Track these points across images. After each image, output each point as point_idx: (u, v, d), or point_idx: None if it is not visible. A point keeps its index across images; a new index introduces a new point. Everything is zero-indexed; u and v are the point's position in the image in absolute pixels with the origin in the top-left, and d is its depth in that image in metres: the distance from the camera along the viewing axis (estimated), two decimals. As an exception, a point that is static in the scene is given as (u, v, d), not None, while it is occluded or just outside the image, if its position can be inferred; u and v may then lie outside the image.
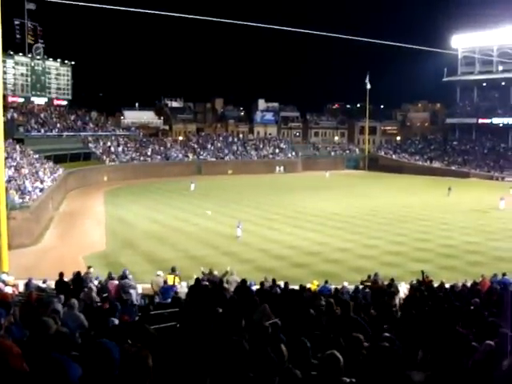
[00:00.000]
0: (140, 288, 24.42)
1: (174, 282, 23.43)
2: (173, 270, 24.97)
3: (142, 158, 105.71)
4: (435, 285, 23.59)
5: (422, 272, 25.41)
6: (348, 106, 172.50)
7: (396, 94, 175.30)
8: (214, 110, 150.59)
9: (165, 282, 23.30)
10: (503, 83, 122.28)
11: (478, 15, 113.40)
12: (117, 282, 21.15)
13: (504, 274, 28.35)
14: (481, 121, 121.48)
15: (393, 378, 6.00)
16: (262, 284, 21.47)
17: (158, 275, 24.67)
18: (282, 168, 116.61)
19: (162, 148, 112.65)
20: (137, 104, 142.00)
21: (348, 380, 5.80)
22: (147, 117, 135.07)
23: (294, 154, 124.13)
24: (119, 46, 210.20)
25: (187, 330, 9.56)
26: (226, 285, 22.31)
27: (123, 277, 22.16)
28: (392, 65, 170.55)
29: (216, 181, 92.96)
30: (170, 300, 19.13)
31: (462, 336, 9.73)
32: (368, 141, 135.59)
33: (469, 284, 25.25)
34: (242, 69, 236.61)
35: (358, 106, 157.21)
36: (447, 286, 23.87)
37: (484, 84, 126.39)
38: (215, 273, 26.74)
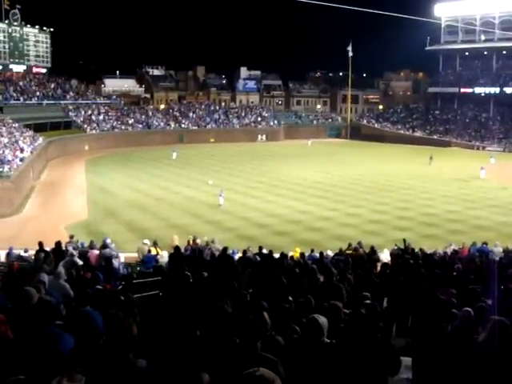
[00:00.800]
0: (122, 257, 24.41)
1: (156, 252, 23.43)
2: (155, 244, 24.92)
3: (123, 127, 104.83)
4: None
5: (404, 240, 25.60)
6: (330, 74, 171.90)
7: (378, 63, 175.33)
8: (196, 78, 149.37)
9: (149, 251, 23.31)
10: (485, 52, 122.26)
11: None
12: (97, 252, 21.07)
13: (484, 243, 28.68)
14: (463, 90, 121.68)
15: (373, 343, 6.08)
16: (244, 252, 21.53)
17: (144, 243, 24.70)
18: (264, 136, 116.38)
19: (143, 116, 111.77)
20: (117, 72, 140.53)
21: (328, 341, 5.93)
22: (128, 85, 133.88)
23: (276, 122, 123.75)
24: (99, 13, 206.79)
25: (169, 297, 9.59)
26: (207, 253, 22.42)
27: (104, 246, 22.07)
28: (375, 33, 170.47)
29: (198, 149, 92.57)
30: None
31: (443, 302, 9.86)
32: (350, 109, 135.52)
33: (449, 252, 25.59)
34: (223, 36, 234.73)
35: (341, 74, 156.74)
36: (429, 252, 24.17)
37: (466, 53, 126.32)
38: (198, 241, 26.81)
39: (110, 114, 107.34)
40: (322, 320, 5.89)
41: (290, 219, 41.12)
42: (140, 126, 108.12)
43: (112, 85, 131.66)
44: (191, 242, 26.91)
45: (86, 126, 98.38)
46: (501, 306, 8.07)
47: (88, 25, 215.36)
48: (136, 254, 24.73)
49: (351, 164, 75.56)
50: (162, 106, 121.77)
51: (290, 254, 23.38)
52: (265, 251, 23.11)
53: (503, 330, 5.79)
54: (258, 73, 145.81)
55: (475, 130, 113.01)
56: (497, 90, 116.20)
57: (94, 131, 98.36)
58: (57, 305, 7.18)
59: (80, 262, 17.02)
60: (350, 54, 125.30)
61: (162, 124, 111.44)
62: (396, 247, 25.14)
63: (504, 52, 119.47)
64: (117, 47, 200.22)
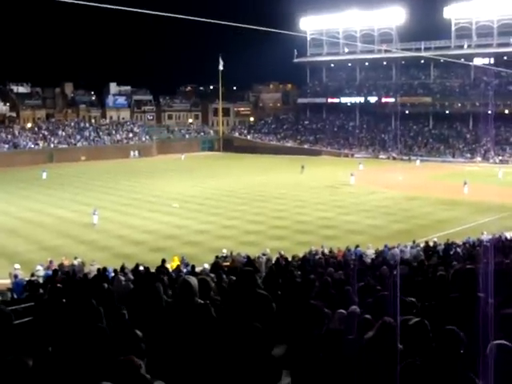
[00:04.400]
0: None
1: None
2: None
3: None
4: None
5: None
6: (201, 88, 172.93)
7: (248, 76, 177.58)
8: (64, 94, 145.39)
9: (15, 276, 22.49)
10: (349, 64, 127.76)
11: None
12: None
13: (357, 246, 29.99)
14: (330, 100, 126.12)
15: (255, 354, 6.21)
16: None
17: (15, 268, 23.90)
18: (136, 152, 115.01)
19: (9, 136, 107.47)
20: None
21: (202, 301, 6.23)
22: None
23: (148, 137, 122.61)
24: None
25: (43, 323, 9.34)
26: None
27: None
28: (243, 47, 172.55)
29: (69, 168, 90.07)
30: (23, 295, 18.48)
31: (315, 308, 10.16)
32: (222, 122, 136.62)
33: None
34: (91, 52, 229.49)
35: (211, 87, 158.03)
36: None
37: (332, 65, 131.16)
38: (75, 262, 26.25)
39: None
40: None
41: (167, 234, 40.96)
42: (6, 146, 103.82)
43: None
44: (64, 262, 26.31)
45: None
46: (365, 306, 8.45)
47: None
48: (7, 281, 23.83)
49: (225, 176, 76.17)
50: (30, 125, 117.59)
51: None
52: (141, 268, 22.92)
53: (388, 330, 6.07)
54: (128, 88, 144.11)
55: (343, 138, 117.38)
56: (361, 99, 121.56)
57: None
58: None
59: None
60: (221, 67, 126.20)
61: (29, 143, 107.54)
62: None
63: (366, 63, 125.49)
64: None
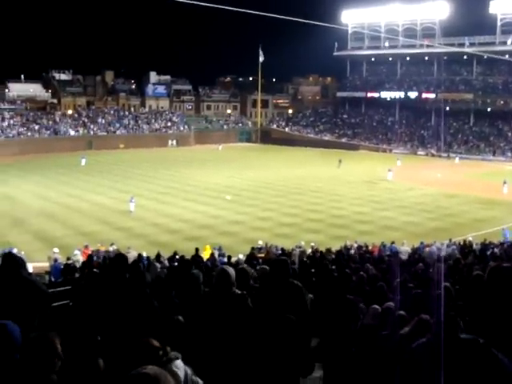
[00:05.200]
0: (31, 267, 23.78)
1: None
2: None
3: (29, 133, 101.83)
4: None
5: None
6: (240, 79, 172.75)
7: (288, 68, 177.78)
8: (105, 82, 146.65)
9: (55, 260, 22.86)
10: (390, 58, 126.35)
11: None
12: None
13: (392, 243, 29.78)
14: (370, 94, 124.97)
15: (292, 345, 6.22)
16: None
17: (54, 252, 24.25)
18: (174, 142, 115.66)
19: (50, 122, 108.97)
20: (22, 76, 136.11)
21: (239, 292, 6.24)
22: (34, 90, 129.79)
23: (186, 127, 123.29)
24: (3, 13, 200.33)
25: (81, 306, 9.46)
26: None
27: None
28: (284, 39, 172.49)
29: (107, 155, 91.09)
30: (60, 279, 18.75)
31: (351, 303, 10.14)
32: (260, 114, 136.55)
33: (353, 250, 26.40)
34: (132, 40, 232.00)
35: (251, 79, 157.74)
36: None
37: (372, 59, 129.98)
38: (111, 248, 26.53)
39: (14, 119, 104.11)
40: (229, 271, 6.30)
41: (202, 224, 41.15)
42: (47, 132, 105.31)
43: (17, 89, 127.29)
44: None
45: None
46: (401, 303, 8.41)
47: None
48: (46, 264, 24.23)
49: (262, 168, 76.19)
50: (70, 112, 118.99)
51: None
52: (177, 257, 23.09)
53: (424, 327, 6.02)
54: (167, 78, 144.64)
55: (382, 133, 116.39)
56: (401, 94, 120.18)
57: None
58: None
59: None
60: (261, 58, 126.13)
61: (70, 130, 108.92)
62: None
63: (407, 58, 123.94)
64: (21, 50, 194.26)
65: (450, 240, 30.54)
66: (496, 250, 25.81)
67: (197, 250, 23.23)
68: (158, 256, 23.21)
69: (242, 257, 24.71)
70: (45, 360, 4.16)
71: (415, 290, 10.80)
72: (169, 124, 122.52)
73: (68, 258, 23.01)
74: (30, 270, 22.88)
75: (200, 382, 4.64)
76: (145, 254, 23.32)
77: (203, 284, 8.10)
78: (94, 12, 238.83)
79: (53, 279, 20.07)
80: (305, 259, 22.45)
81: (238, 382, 5.54)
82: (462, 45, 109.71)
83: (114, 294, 6.62)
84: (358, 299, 10.57)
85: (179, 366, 4.48)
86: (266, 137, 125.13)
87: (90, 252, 25.75)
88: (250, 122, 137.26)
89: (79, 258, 23.76)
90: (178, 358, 4.53)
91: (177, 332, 5.54)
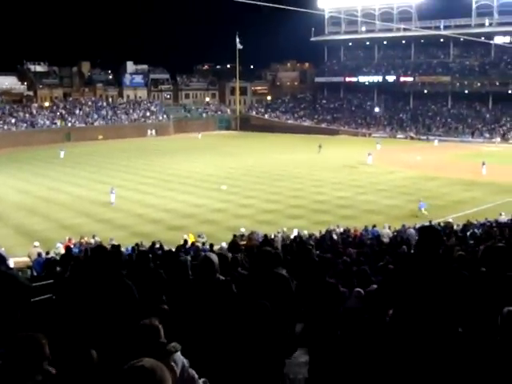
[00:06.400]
0: (12, 262, 23.61)
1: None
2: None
3: (5, 127, 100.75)
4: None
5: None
6: (218, 66, 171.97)
7: (265, 54, 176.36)
8: (81, 73, 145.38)
9: (39, 254, 22.68)
10: (367, 43, 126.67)
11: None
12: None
13: (374, 226, 29.98)
14: (348, 79, 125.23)
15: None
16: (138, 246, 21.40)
17: (34, 246, 24.06)
18: (153, 131, 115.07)
19: (27, 115, 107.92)
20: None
21: (223, 278, 6.36)
22: (9, 82, 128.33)
23: (165, 116, 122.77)
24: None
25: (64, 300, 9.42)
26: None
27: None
28: (261, 25, 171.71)
29: (86, 147, 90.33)
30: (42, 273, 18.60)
31: (331, 285, 10.17)
32: (239, 101, 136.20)
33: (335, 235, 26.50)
34: (108, 30, 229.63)
35: (228, 66, 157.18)
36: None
37: (350, 44, 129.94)
38: (92, 240, 26.43)
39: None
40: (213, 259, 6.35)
41: (184, 213, 41.12)
42: (24, 125, 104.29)
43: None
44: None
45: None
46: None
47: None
48: (26, 259, 24.03)
49: (242, 155, 76.09)
50: (47, 104, 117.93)
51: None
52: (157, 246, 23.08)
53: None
54: (144, 67, 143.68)
55: (361, 117, 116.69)
56: (379, 78, 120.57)
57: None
58: None
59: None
60: (239, 46, 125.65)
61: (47, 122, 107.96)
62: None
63: (385, 42, 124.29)
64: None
65: (431, 222, 30.69)
66: (476, 230, 26.08)
67: (185, 241, 23.27)
68: (137, 246, 23.22)
69: (224, 245, 24.71)
70: (31, 362, 4.10)
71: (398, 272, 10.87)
72: (147, 114, 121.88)
73: (47, 252, 22.84)
74: (12, 265, 22.80)
75: (195, 375, 4.62)
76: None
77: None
78: (69, 2, 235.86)
79: (35, 273, 19.93)
80: (284, 244, 22.61)
81: (223, 367, 5.55)
82: (438, 28, 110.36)
83: (96, 286, 6.59)
84: (337, 282, 10.63)
85: (178, 360, 4.47)
86: (246, 124, 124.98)
87: (71, 245, 25.63)
88: (228, 110, 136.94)
89: (61, 251, 23.60)
90: (177, 351, 4.53)
91: (162, 320, 5.54)
